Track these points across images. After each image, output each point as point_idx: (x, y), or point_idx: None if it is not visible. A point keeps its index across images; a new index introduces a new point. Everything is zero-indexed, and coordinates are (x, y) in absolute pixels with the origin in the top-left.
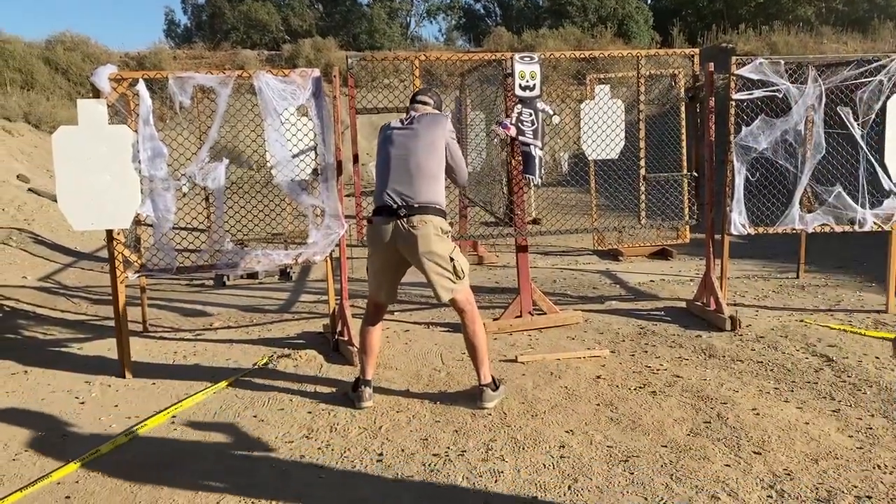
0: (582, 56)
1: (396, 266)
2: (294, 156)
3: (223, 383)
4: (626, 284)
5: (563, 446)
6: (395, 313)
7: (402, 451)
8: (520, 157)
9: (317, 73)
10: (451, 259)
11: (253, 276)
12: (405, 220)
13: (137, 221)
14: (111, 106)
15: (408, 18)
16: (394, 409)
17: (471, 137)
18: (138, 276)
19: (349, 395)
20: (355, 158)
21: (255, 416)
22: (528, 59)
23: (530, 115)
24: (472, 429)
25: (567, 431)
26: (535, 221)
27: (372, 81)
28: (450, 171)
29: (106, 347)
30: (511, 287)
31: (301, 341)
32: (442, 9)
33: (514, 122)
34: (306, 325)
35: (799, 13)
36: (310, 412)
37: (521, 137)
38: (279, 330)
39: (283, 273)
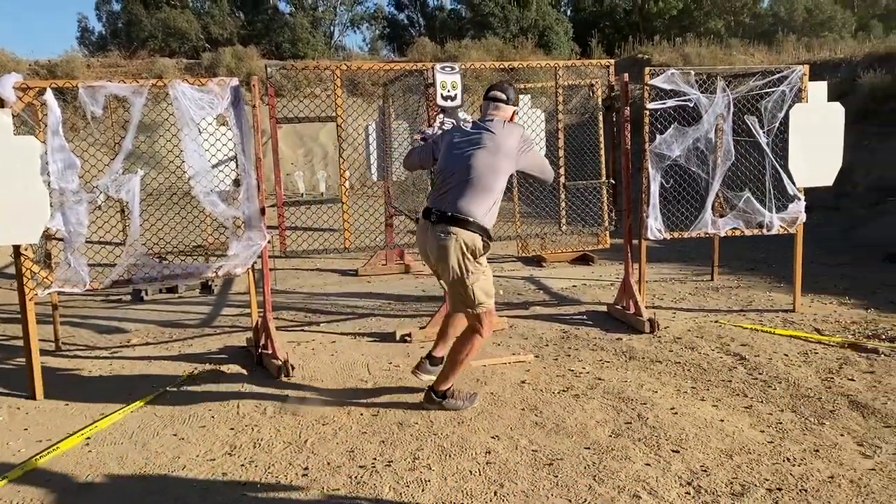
0: (502, 66)
1: None
2: (213, 166)
3: (141, 402)
4: (550, 290)
5: (490, 452)
6: (322, 325)
7: (328, 464)
8: None
9: (235, 81)
10: (463, 280)
11: (173, 290)
12: (434, 226)
13: (48, 236)
14: (17, 116)
15: (331, 28)
16: (319, 423)
17: (395, 147)
18: (49, 293)
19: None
20: (277, 168)
21: (174, 435)
22: (449, 69)
23: (452, 124)
24: (399, 439)
25: (493, 437)
26: None
27: (296, 90)
28: (534, 179)
29: (15, 368)
30: (438, 295)
31: (223, 356)
32: (366, 18)
33: (435, 131)
34: (228, 339)
35: (710, 26)
36: (232, 428)
37: None
38: (200, 345)
39: (205, 286)
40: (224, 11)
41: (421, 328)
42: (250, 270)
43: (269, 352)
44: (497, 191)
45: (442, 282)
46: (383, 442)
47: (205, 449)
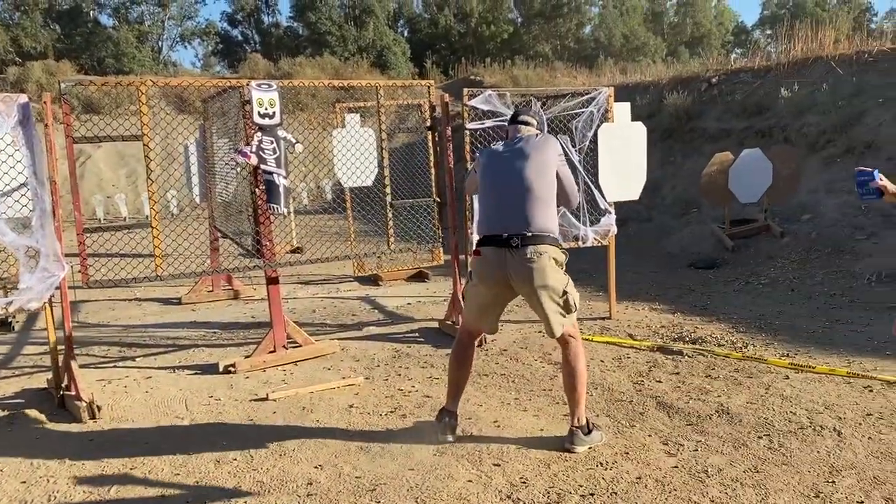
0: (329, 84)
1: (504, 299)
2: (4, 193)
3: None
4: (385, 309)
5: (311, 483)
6: (137, 359)
7: None
8: (263, 187)
9: (23, 99)
10: (565, 293)
11: None
12: (517, 250)
13: None
14: None
15: (159, 43)
16: (127, 467)
17: (214, 163)
18: None
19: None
20: (75, 191)
21: None
22: (266, 86)
23: (272, 143)
24: (215, 477)
25: (316, 467)
26: (297, 250)
27: (117, 108)
28: (562, 197)
29: None
30: (267, 322)
31: (20, 400)
32: (197, 34)
33: (254, 150)
34: (28, 381)
35: (538, 50)
36: (24, 482)
37: (262, 166)
38: None
39: (3, 323)
40: (37, 23)
41: (246, 357)
42: (48, 305)
43: (73, 393)
44: (554, 199)
45: (539, 307)
46: (198, 482)
47: None
